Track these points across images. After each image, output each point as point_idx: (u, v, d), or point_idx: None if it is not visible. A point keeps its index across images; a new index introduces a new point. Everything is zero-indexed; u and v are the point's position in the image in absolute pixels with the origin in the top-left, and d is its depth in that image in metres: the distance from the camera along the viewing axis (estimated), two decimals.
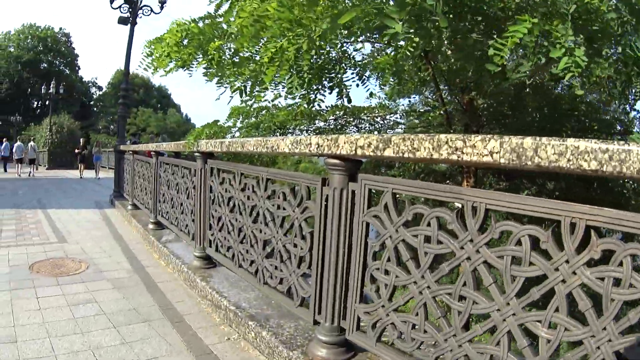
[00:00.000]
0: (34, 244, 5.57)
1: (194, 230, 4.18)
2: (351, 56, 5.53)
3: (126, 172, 8.65)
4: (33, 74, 50.41)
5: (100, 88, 60.96)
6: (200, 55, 5.01)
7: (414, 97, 8.66)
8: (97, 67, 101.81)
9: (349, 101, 5.16)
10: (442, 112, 6.40)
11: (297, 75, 4.16)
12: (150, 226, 6.01)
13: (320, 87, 4.90)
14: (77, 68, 56.56)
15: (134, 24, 9.93)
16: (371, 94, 6.95)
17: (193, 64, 5.11)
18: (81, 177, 17.99)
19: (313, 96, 4.79)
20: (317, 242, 2.36)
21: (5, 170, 21.63)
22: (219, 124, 5.60)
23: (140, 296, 3.72)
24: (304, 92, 4.60)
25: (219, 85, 4.98)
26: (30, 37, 52.47)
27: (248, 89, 4.72)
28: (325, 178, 2.30)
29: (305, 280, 2.54)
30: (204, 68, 4.98)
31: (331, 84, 4.95)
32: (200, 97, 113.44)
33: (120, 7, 9.81)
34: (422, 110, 8.16)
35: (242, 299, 3.22)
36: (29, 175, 17.86)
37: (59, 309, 3.30)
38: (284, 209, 2.67)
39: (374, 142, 1.89)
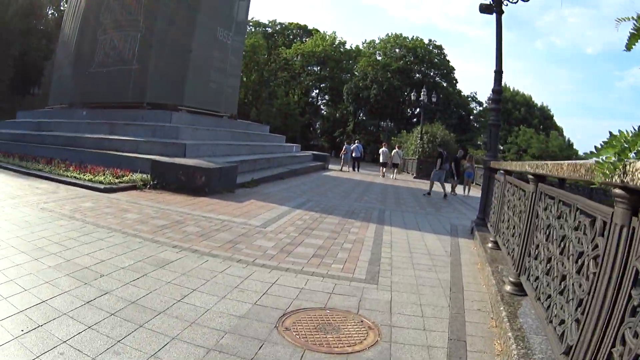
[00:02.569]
0: (325, 276, 4.42)
1: None
2: None
3: (494, 196, 6.74)
4: (404, 82, 52.47)
5: (480, 104, 59.42)
6: None
7: None
8: (475, 83, 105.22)
9: None
10: None
11: None
12: (508, 288, 3.84)
13: None
14: (454, 81, 56.42)
15: (499, 12, 8.22)
16: None
17: None
18: (449, 194, 15.08)
19: None
20: (596, 285, 1.89)
21: (355, 170, 24.04)
22: None
23: None
24: None
25: None
26: (397, 46, 55.28)
27: None
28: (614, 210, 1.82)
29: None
30: None
31: None
32: (588, 125, 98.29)
33: None
34: None
35: None
36: (392, 178, 17.94)
37: None
38: (581, 242, 2.22)
39: None
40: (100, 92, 16.72)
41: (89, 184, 9.07)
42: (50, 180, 9.55)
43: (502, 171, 6.15)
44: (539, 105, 56.86)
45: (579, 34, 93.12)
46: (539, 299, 2.89)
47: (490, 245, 5.65)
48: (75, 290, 3.51)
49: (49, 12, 44.67)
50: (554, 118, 57.72)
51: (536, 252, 3.27)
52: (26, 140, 14.95)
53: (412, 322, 3.42)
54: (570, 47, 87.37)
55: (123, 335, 2.85)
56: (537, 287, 3.04)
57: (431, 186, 14.86)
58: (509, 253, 4.53)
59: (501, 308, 3.41)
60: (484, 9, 8.35)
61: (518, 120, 51.13)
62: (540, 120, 54.83)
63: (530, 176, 3.75)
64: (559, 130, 55.05)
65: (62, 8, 38.21)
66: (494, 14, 8.27)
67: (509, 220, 4.89)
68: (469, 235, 7.30)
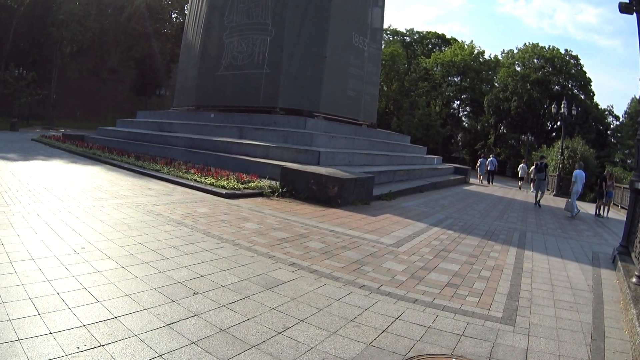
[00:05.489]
0: (457, 311, 3.78)
1: None
2: None
3: None
4: (544, 94, 50.50)
5: (616, 118, 55.96)
6: None
7: None
8: (612, 95, 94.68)
9: None
10: None
11: None
12: None
13: None
14: (591, 94, 53.50)
15: None
16: None
17: None
18: (597, 215, 15.09)
19: None
20: None
21: (489, 183, 24.78)
22: None
23: None
24: None
25: None
26: (535, 56, 52.91)
27: None
28: None
29: None
30: None
31: None
32: None
33: None
34: None
35: None
36: (535, 200, 15.55)
37: None
38: None
39: None
40: (228, 95, 16.87)
41: (210, 187, 8.59)
42: (167, 181, 9.31)
43: None
44: None
45: None
46: None
47: (634, 280, 4.98)
48: (157, 308, 3.10)
49: (173, 16, 48.05)
50: None
51: None
52: (145, 140, 15.40)
53: None
54: None
55: None
56: None
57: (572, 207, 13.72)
58: None
59: None
60: (624, 8, 7.27)
61: None
62: None
63: None
64: None
65: (185, 11, 40.15)
66: (635, 14, 7.13)
67: None
68: (611, 265, 6.63)
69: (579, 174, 13.38)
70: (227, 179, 9.06)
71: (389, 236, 6.42)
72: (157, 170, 10.07)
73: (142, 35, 41.02)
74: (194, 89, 18.74)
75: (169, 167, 10.39)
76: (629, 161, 45.12)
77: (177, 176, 9.49)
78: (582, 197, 22.00)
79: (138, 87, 44.77)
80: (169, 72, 44.12)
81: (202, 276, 3.82)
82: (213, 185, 8.71)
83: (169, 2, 45.65)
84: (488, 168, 25.05)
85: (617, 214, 16.63)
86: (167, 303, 3.18)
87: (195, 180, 9.13)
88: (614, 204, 18.40)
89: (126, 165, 10.90)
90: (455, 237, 7.09)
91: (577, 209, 13.37)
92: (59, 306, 2.90)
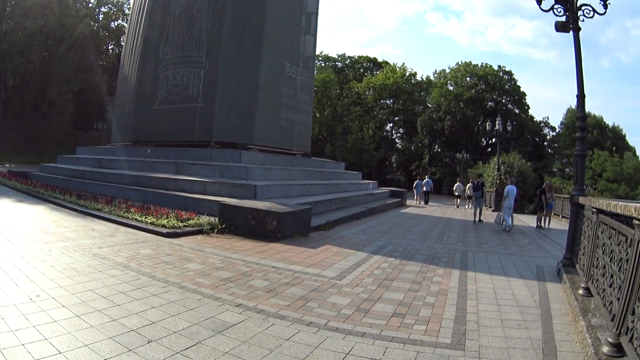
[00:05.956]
0: (406, 341, 3.89)
1: None
2: None
3: (583, 235, 6.24)
4: (477, 111, 52.34)
5: (552, 129, 58.65)
6: None
7: None
8: (548, 106, 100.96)
9: None
10: None
11: None
12: (605, 349, 3.36)
13: None
14: (526, 107, 55.82)
15: (576, 29, 7.75)
16: None
17: None
18: (538, 227, 15.99)
19: None
20: None
21: (425, 203, 25.82)
22: None
23: None
24: None
25: None
26: (468, 75, 54.89)
27: None
28: None
29: None
30: None
31: None
32: None
33: (552, 8, 7.85)
34: None
35: None
36: (474, 217, 16.76)
37: None
38: None
39: None
40: (164, 130, 16.61)
41: (151, 227, 8.58)
42: (109, 221, 9.28)
43: (593, 209, 5.32)
44: (610, 126, 55.64)
45: None
46: None
47: (581, 292, 5.17)
48: (116, 358, 3.18)
49: (109, 48, 46.96)
50: (626, 138, 56.01)
51: None
52: (86, 178, 15.02)
53: None
54: (636, 61, 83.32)
55: None
56: None
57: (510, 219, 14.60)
58: (605, 304, 4.07)
59: None
60: (560, 27, 7.84)
61: (591, 143, 48.84)
62: (612, 141, 53.54)
63: (637, 222, 3.22)
64: (632, 151, 53.15)
65: (122, 43, 39.46)
66: (571, 32, 7.77)
67: (604, 267, 4.40)
68: (556, 278, 6.86)
69: (510, 189, 14.39)
70: (167, 217, 9.01)
71: (331, 268, 6.54)
72: (98, 210, 10.03)
73: (80, 68, 39.85)
74: (131, 124, 18.33)
75: (110, 206, 10.35)
76: (567, 170, 47.92)
77: (118, 216, 9.43)
78: (521, 210, 23.70)
79: (77, 121, 43.57)
80: (106, 106, 43.34)
81: (153, 322, 3.89)
82: (154, 224, 8.68)
83: (106, 34, 45.03)
84: (424, 189, 26.56)
85: (559, 224, 17.59)
86: (125, 352, 3.27)
87: (136, 219, 9.09)
88: (555, 213, 19.41)
89: (69, 205, 10.86)
90: (396, 264, 7.21)
91: (511, 222, 14.14)
92: (26, 357, 3.05)
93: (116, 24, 46.74)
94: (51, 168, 18.43)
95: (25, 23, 36.86)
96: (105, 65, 43.97)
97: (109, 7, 47.46)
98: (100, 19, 46.65)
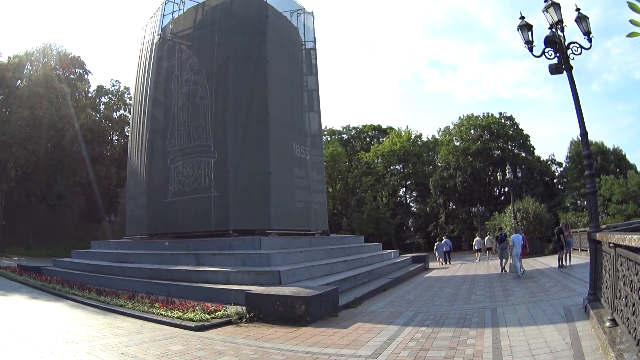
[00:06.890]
0: None
1: None
2: None
3: (604, 269, 6.48)
4: (486, 162, 52.30)
5: (560, 164, 58.28)
6: None
7: None
8: (552, 140, 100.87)
9: None
10: None
11: None
12: None
13: None
14: (532, 149, 55.72)
15: (569, 69, 8.12)
16: None
17: None
18: (560, 266, 16.34)
19: None
20: None
21: (447, 263, 26.17)
22: None
23: None
24: None
25: None
26: (472, 127, 55.21)
27: None
28: None
29: None
30: None
31: None
32: None
33: (544, 53, 8.28)
34: None
35: None
36: (501, 267, 17.08)
37: None
38: None
39: None
40: (180, 221, 16.61)
41: (178, 322, 8.44)
42: (133, 317, 9.12)
43: (610, 244, 5.65)
44: (611, 149, 55.70)
45: (624, 63, 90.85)
46: None
47: (608, 324, 5.31)
48: None
49: (114, 138, 47.19)
50: (627, 157, 56.00)
51: None
52: (104, 272, 14.83)
53: None
54: (621, 79, 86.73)
55: None
56: None
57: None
58: (630, 332, 4.28)
59: None
60: (554, 69, 8.22)
61: (596, 170, 48.97)
62: (615, 163, 53.65)
63: None
64: (634, 168, 53.21)
65: (126, 134, 39.26)
66: (565, 72, 8.17)
67: (626, 297, 4.64)
68: (584, 315, 6.99)
69: (516, 238, 15.07)
70: (194, 311, 8.94)
71: (366, 347, 6.45)
72: (121, 306, 9.90)
73: (87, 160, 39.84)
74: (145, 217, 18.36)
75: (133, 301, 10.19)
76: (579, 202, 47.91)
77: (142, 311, 9.33)
78: (541, 252, 24.99)
79: (87, 213, 43.27)
80: (116, 197, 42.32)
81: None
82: (180, 318, 8.59)
83: (109, 124, 45.27)
84: (444, 249, 27.27)
85: (579, 258, 17.68)
86: None
87: (162, 314, 8.98)
88: (574, 248, 19.47)
89: (89, 302, 10.71)
90: (429, 333, 7.16)
91: (522, 268, 14.87)
92: None
93: (118, 114, 47.46)
94: (66, 263, 18.30)
95: (22, 113, 36.38)
96: (112, 156, 44.24)
97: (109, 97, 48.34)
98: (102, 109, 47.30)
